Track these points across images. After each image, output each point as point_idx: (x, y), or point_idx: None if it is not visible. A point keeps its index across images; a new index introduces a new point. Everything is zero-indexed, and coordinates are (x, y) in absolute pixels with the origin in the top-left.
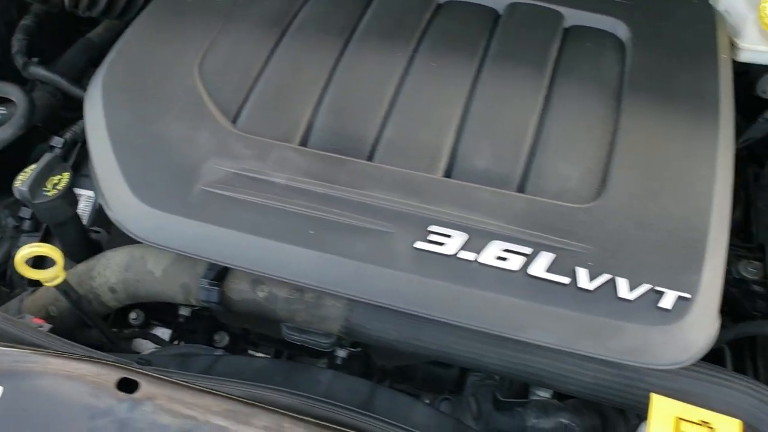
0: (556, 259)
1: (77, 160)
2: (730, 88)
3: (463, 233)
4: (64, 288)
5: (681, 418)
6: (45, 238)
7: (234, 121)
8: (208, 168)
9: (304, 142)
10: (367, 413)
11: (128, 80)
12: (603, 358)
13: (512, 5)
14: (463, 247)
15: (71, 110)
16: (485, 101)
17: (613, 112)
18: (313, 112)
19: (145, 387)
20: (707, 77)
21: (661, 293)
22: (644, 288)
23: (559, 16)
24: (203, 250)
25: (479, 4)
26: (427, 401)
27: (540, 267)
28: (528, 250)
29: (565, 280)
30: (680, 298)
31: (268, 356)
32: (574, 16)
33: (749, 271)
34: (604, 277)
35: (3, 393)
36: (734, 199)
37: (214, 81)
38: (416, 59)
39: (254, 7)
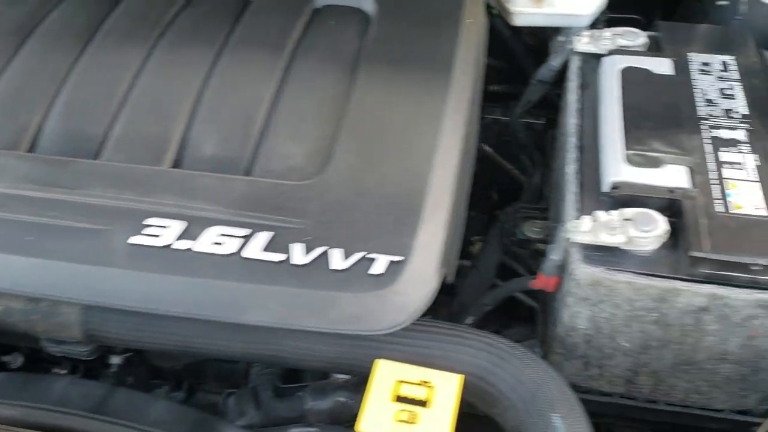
0: (273, 237)
1: None
2: (472, 53)
3: (182, 222)
4: None
5: (401, 380)
6: None
7: None
8: None
9: (31, 148)
10: (99, 416)
11: None
12: (325, 330)
13: None
14: (180, 237)
15: None
16: (219, 89)
17: (347, 87)
18: (44, 116)
19: None
20: (446, 44)
21: (372, 260)
22: (357, 256)
23: None
24: None
25: None
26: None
27: (255, 248)
28: (245, 232)
29: (280, 257)
30: (392, 262)
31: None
32: None
33: (533, 231)
34: (319, 250)
35: None
36: (534, 163)
37: None
38: (154, 54)
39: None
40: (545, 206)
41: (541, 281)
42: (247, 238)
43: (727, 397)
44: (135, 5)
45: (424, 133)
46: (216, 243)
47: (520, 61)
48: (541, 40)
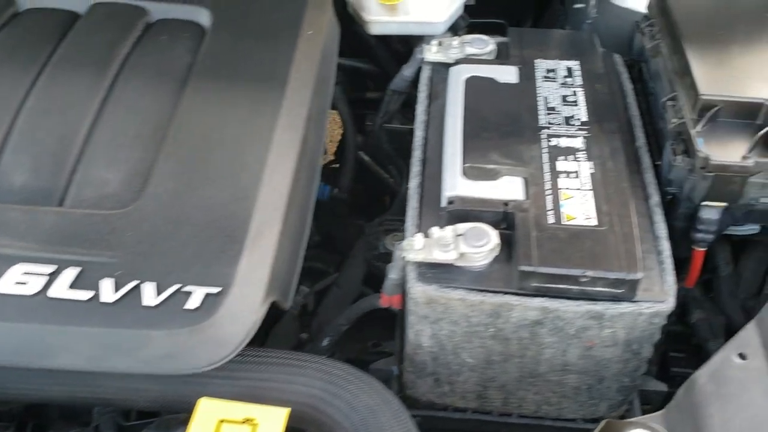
0: (80, 274)
1: None
2: (312, 66)
3: None
4: None
5: (223, 419)
6: None
7: None
8: None
9: None
10: None
11: None
12: (139, 371)
13: (94, 6)
14: None
15: None
16: (34, 113)
17: (172, 105)
18: None
19: None
20: (281, 58)
21: (188, 293)
22: (171, 290)
23: (141, 12)
24: None
25: (59, 9)
26: None
27: (62, 286)
28: (51, 269)
29: (88, 295)
30: (209, 294)
31: None
32: (158, 10)
33: (393, 244)
34: (130, 285)
35: None
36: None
37: None
38: None
39: None
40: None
41: (386, 300)
42: (52, 275)
43: (578, 407)
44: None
45: (252, 154)
46: (19, 282)
47: (387, 69)
48: (410, 47)
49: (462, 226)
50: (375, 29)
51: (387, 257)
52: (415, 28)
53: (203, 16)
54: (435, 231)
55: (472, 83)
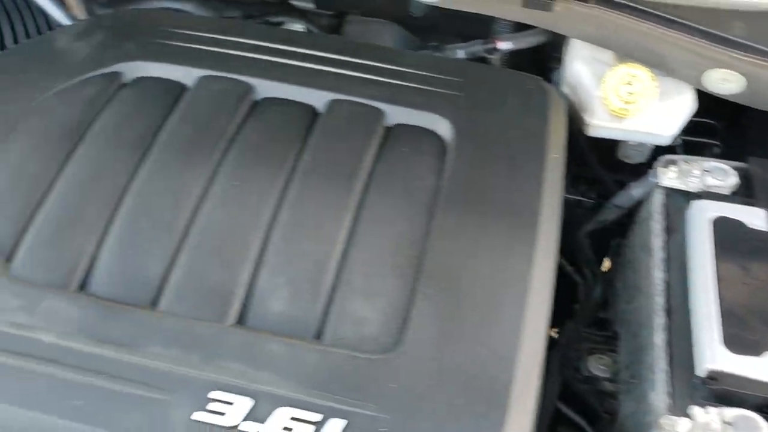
0: (347, 426)
1: None
2: (557, 195)
3: (248, 399)
4: None
5: None
6: None
7: (9, 259)
8: None
9: (83, 286)
10: None
11: None
12: None
13: (332, 103)
14: (247, 417)
15: None
16: (288, 229)
17: (422, 234)
18: (96, 247)
19: None
20: (530, 186)
21: None
22: None
23: (380, 115)
24: None
25: (297, 102)
26: None
27: None
28: (317, 418)
29: None
30: None
31: None
32: (396, 114)
33: (599, 368)
34: None
35: None
36: (594, 277)
37: None
38: (218, 176)
39: (44, 116)
40: (609, 334)
41: None
42: (318, 425)
43: None
44: (194, 108)
45: (509, 300)
46: (286, 428)
47: (594, 171)
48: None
49: (729, 413)
50: (595, 132)
51: (593, 381)
52: (641, 137)
53: (442, 127)
54: (698, 413)
55: (721, 227)
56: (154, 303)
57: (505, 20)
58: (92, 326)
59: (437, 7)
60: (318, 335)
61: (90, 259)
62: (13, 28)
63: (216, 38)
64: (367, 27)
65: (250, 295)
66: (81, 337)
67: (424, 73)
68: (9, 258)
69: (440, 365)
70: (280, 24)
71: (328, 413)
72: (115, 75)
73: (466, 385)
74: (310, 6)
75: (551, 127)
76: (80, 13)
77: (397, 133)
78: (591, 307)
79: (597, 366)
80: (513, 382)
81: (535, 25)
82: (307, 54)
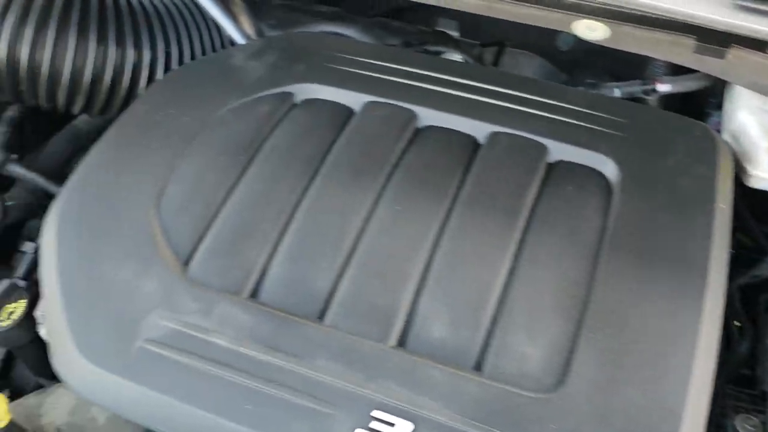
0: None
1: None
2: (725, 248)
3: (409, 422)
4: (9, 429)
5: None
6: None
7: (186, 263)
8: (151, 321)
9: (254, 293)
10: None
11: (84, 212)
12: None
13: (494, 135)
14: None
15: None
16: (450, 256)
17: (588, 276)
18: (268, 258)
19: None
20: (699, 237)
21: None
22: None
23: (542, 150)
24: (139, 414)
25: (458, 132)
26: None
27: None
28: None
29: None
30: None
31: None
32: (559, 150)
33: (746, 428)
34: None
35: None
36: (741, 334)
37: (171, 217)
38: (383, 199)
39: (222, 129)
40: (757, 393)
41: None
42: None
43: None
44: (361, 133)
45: (677, 348)
46: None
47: (748, 223)
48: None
49: None
50: (757, 184)
51: None
52: None
53: (608, 167)
54: None
55: None
56: (320, 316)
57: (662, 61)
58: (263, 334)
59: (585, 42)
60: (477, 366)
61: (261, 269)
62: (191, 43)
63: (381, 65)
64: (513, 58)
65: (412, 317)
66: (253, 343)
67: (588, 110)
68: (186, 262)
69: (603, 410)
70: (437, 53)
71: None
72: (287, 95)
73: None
74: (456, 35)
75: (720, 177)
76: (251, 31)
77: (559, 169)
78: (737, 362)
79: (744, 426)
80: None
81: (703, 71)
82: (469, 85)
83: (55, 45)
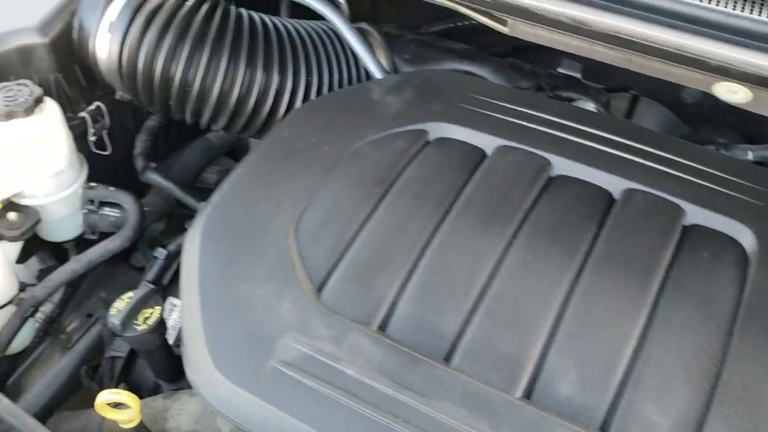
0: None
1: (178, 270)
2: None
3: None
4: (138, 430)
5: None
6: None
7: (320, 289)
8: (284, 343)
9: (383, 326)
10: None
11: (226, 229)
12: None
13: (629, 191)
14: None
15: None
16: (580, 313)
17: (721, 348)
18: (398, 293)
19: None
20: None
21: None
22: None
23: (678, 212)
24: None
25: (593, 185)
26: None
27: None
28: None
29: None
30: None
31: None
32: (695, 214)
33: None
34: None
35: None
36: None
37: (308, 242)
38: (514, 246)
39: (360, 161)
40: None
41: None
42: None
43: None
44: (493, 176)
45: None
46: None
47: None
48: None
49: None
50: None
51: None
52: None
53: (745, 237)
54: None
55: None
56: (446, 358)
57: None
58: (392, 369)
59: (712, 96)
60: (603, 427)
61: (391, 302)
62: (330, 73)
63: (515, 109)
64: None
65: (539, 371)
66: (381, 377)
67: (726, 175)
68: (320, 288)
69: None
70: (568, 98)
71: None
72: (422, 132)
73: None
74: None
75: None
76: (386, 65)
77: (695, 234)
78: None
79: None
80: None
81: None
82: (605, 137)
83: (207, 66)
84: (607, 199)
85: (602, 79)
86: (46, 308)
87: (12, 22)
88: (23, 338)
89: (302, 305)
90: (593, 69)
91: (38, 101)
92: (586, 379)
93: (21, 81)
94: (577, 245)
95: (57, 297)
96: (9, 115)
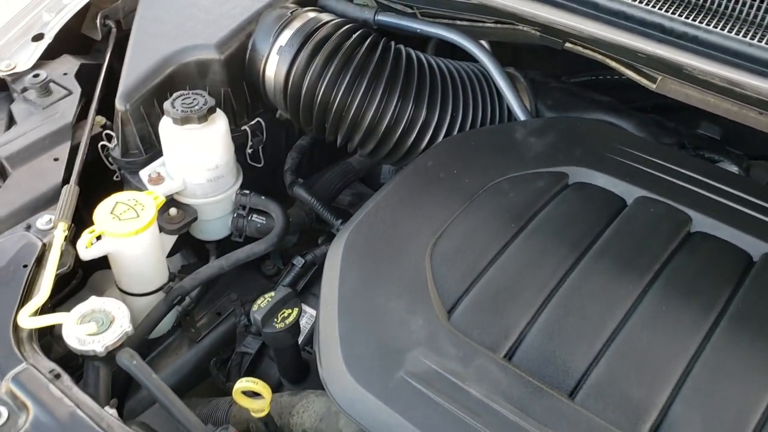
0: None
1: (310, 280)
2: None
3: None
4: (266, 420)
5: None
6: None
7: (450, 311)
8: (413, 357)
9: (510, 355)
10: None
11: (367, 245)
12: None
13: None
14: None
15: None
16: (711, 368)
17: None
18: (527, 326)
19: None
20: None
21: None
22: None
23: (742, 255)
24: None
25: (732, 245)
26: None
27: None
28: None
29: None
30: None
31: None
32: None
33: None
34: None
35: None
36: None
37: (442, 266)
38: (647, 296)
39: (498, 196)
40: None
41: None
42: None
43: None
44: (632, 225)
45: None
46: None
47: None
48: None
49: None
50: None
51: None
52: None
53: None
54: None
55: None
56: (571, 394)
57: None
58: (516, 396)
59: None
60: None
61: (520, 333)
62: (474, 112)
63: (657, 163)
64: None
65: (662, 418)
66: (505, 402)
67: None
68: (451, 310)
69: None
70: (711, 160)
71: None
72: (562, 175)
73: None
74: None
75: None
76: (530, 108)
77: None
78: None
79: None
80: None
81: None
82: (747, 200)
83: (364, 95)
84: (746, 261)
85: (740, 145)
86: (184, 303)
87: (195, 39)
88: (164, 325)
89: (433, 324)
90: (731, 133)
91: (211, 111)
92: None
93: (197, 91)
94: (713, 302)
95: (193, 293)
96: (185, 120)
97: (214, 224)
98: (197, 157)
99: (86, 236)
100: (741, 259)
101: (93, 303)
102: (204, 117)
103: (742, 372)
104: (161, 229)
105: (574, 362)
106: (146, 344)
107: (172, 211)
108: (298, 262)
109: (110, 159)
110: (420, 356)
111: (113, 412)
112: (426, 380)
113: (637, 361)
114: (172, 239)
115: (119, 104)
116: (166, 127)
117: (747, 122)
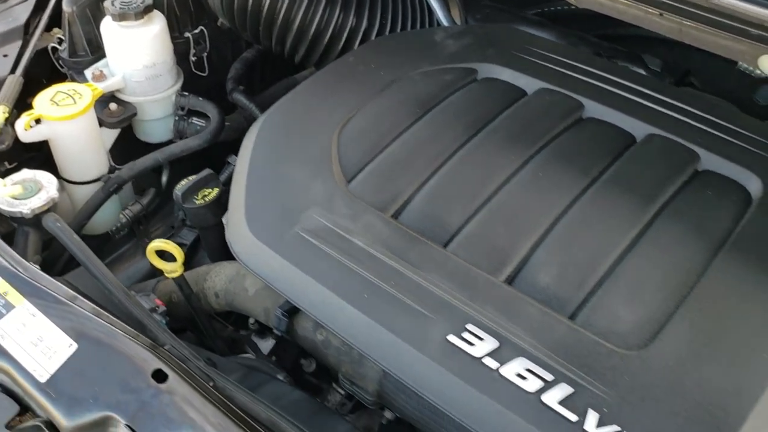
0: (573, 394)
1: None
2: None
3: (495, 341)
4: (179, 282)
5: None
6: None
7: (349, 181)
8: (308, 215)
9: (396, 215)
10: None
11: (281, 126)
12: None
13: (651, 136)
14: (490, 354)
15: None
16: (575, 222)
17: (702, 267)
18: (415, 191)
19: (171, 382)
20: None
21: None
22: None
23: (694, 157)
24: (281, 285)
25: (618, 127)
26: None
27: (554, 397)
28: (549, 377)
29: (573, 417)
30: None
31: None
32: (709, 161)
33: None
34: (612, 428)
35: (77, 348)
36: None
37: (348, 143)
38: (527, 165)
39: (409, 86)
40: None
41: None
42: (549, 383)
43: None
44: (526, 110)
45: (763, 353)
46: (520, 375)
47: None
48: None
49: None
50: None
51: None
52: None
53: (752, 183)
54: None
55: None
56: (445, 244)
57: None
58: (394, 245)
59: None
60: (572, 316)
61: (408, 197)
62: (403, 21)
63: (562, 60)
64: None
65: (524, 263)
66: (384, 250)
67: (742, 130)
68: (350, 180)
69: (676, 380)
70: None
71: (560, 378)
72: (471, 71)
73: (696, 406)
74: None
75: None
76: (458, 21)
77: (705, 177)
78: None
79: None
80: (743, 425)
81: None
82: (641, 90)
83: (308, 3)
84: (629, 140)
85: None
86: (135, 208)
87: None
88: (106, 219)
89: (330, 189)
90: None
91: (148, 9)
92: (566, 275)
93: None
94: (588, 170)
95: (145, 200)
96: (122, 17)
97: (156, 125)
98: (134, 53)
99: (24, 118)
100: (624, 138)
101: (25, 173)
102: (141, 14)
103: (603, 227)
104: (102, 123)
105: (451, 219)
106: (94, 245)
107: (113, 106)
108: (233, 160)
109: (60, 62)
110: (314, 214)
111: (36, 264)
112: (317, 234)
113: (508, 217)
114: (113, 133)
115: (66, 5)
116: (107, 24)
117: (652, 27)
